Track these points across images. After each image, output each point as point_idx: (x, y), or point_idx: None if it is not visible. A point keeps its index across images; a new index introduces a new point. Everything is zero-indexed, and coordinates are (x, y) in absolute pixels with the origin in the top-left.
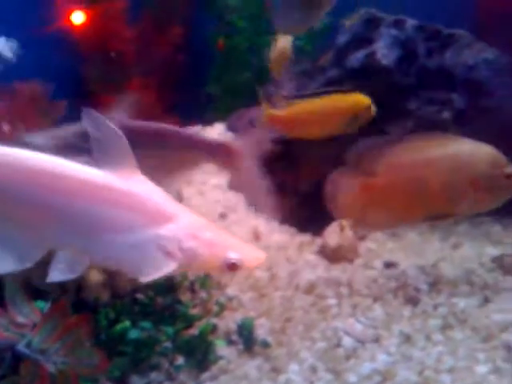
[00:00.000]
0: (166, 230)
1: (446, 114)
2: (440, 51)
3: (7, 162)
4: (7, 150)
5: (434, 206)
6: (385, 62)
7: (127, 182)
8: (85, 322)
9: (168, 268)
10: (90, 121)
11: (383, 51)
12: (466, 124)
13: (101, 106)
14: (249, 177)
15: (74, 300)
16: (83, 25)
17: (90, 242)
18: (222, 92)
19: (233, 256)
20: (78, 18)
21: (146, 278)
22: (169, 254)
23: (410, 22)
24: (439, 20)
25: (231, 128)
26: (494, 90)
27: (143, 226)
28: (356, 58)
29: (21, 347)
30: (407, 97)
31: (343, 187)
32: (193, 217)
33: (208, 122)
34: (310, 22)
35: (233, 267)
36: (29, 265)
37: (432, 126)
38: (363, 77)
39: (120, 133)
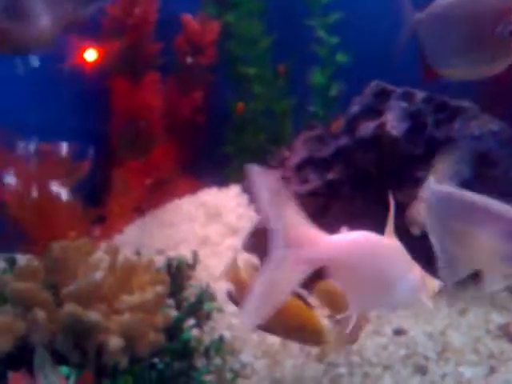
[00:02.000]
0: (416, 275)
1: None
2: (448, 122)
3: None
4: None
5: None
6: (394, 132)
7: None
8: None
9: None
10: None
11: (393, 123)
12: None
13: (125, 170)
14: None
15: (94, 365)
16: (119, 93)
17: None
18: (238, 154)
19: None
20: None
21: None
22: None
23: (419, 95)
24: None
25: (247, 190)
26: (498, 161)
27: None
28: (367, 128)
29: None
30: (415, 166)
31: None
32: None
33: (223, 183)
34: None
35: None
36: None
37: None
38: (373, 146)
39: None
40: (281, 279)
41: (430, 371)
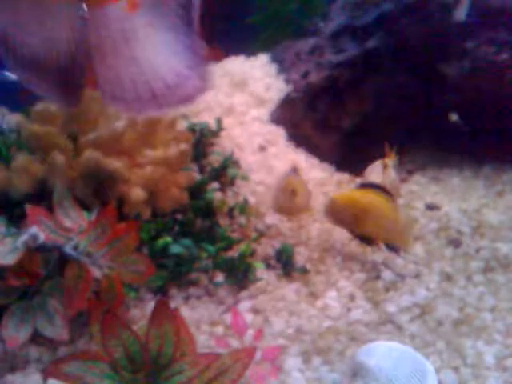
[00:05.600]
0: None
1: (505, 56)
2: None
3: None
4: None
5: None
6: None
7: None
8: (133, 230)
9: None
10: None
11: None
12: None
13: None
14: None
15: (116, 215)
16: None
17: None
18: (267, 23)
19: None
20: None
21: None
22: None
23: None
24: None
25: (276, 60)
26: None
27: None
28: None
29: (68, 249)
30: (465, 36)
31: None
32: None
33: (252, 52)
34: None
35: None
36: None
37: (489, 68)
38: (420, 12)
39: None
40: None
41: (464, 244)
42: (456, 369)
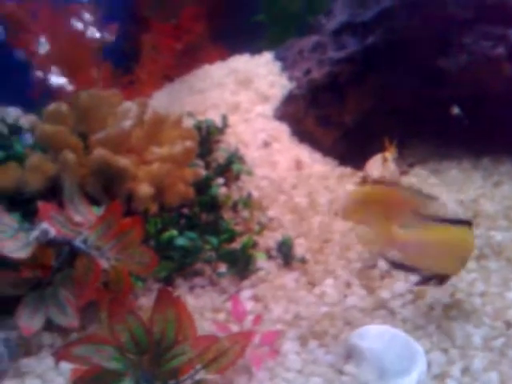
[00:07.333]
0: None
1: (500, 50)
2: None
3: None
4: None
5: None
6: None
7: None
8: (138, 224)
9: None
10: None
11: None
12: None
13: (152, 32)
14: None
15: (124, 210)
16: None
17: None
18: (272, 21)
19: None
20: None
21: None
22: None
23: None
24: None
25: (280, 58)
26: None
27: None
28: None
29: (77, 243)
30: (462, 30)
31: None
32: None
33: (256, 50)
34: None
35: None
36: None
37: (485, 62)
38: (419, 8)
39: None
40: None
41: None
42: (445, 350)
